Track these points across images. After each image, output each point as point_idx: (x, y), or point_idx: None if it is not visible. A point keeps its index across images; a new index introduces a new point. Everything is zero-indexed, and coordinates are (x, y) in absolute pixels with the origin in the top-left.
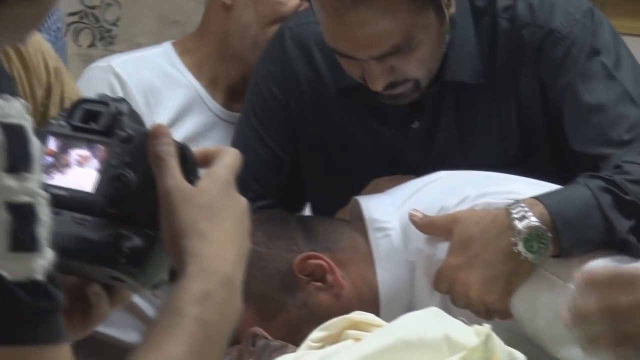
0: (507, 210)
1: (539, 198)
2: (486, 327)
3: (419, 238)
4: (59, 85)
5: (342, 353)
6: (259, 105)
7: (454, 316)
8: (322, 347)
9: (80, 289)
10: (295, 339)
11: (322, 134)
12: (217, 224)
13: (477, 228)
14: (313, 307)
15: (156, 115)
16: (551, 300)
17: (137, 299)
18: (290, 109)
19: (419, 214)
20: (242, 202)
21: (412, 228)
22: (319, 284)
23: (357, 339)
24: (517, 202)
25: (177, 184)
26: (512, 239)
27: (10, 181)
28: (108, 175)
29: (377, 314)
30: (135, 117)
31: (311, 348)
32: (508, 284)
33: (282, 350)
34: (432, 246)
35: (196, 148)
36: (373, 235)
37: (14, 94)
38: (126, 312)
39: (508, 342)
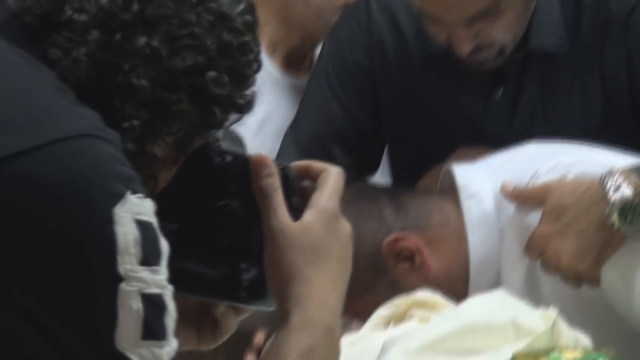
0: (601, 180)
1: (633, 168)
2: (553, 312)
3: (510, 205)
4: None
5: (409, 336)
6: (341, 69)
7: (541, 283)
8: (386, 325)
9: (206, 306)
10: None
11: (405, 102)
12: (322, 267)
13: (571, 198)
14: (401, 288)
15: None
16: None
17: None
18: (375, 75)
19: (510, 186)
20: (347, 233)
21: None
22: (407, 265)
23: (423, 319)
24: (611, 172)
25: (282, 225)
26: (606, 209)
27: (144, 273)
28: (213, 207)
29: (467, 289)
30: (230, 137)
31: (376, 326)
32: (600, 254)
33: (346, 327)
34: (522, 212)
35: (299, 162)
36: (465, 203)
37: (145, 193)
38: None
39: (592, 313)
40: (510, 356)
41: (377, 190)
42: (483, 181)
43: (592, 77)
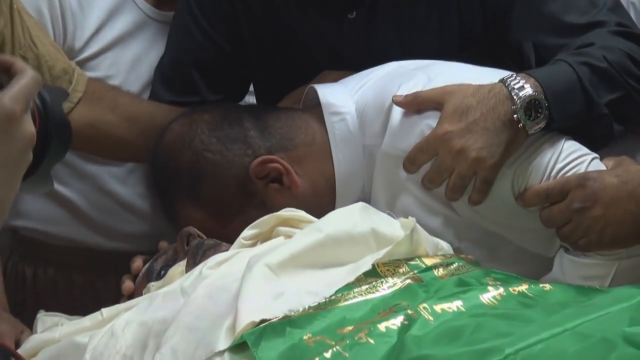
0: (503, 81)
1: (529, 73)
2: (411, 220)
3: (375, 123)
4: None
5: (273, 251)
6: None
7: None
8: (254, 244)
9: None
10: None
11: (267, 26)
12: None
13: (474, 99)
14: (271, 207)
15: (87, 16)
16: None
17: (64, 190)
18: (236, 1)
19: (399, 96)
20: (22, 139)
21: (368, 113)
22: (276, 185)
23: (288, 236)
24: (512, 75)
25: None
26: (513, 107)
27: None
28: None
29: (334, 204)
30: None
31: (243, 246)
32: (505, 151)
33: (216, 249)
34: (394, 139)
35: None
36: (329, 120)
37: None
38: (57, 206)
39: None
40: (370, 265)
41: (241, 112)
42: (346, 99)
43: (448, 4)
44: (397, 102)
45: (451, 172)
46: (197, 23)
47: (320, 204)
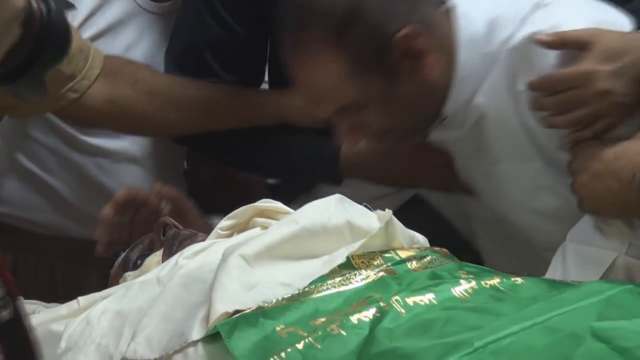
0: None
1: None
2: (388, 213)
3: (507, 29)
4: None
5: (248, 242)
6: None
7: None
8: (230, 235)
9: None
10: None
11: None
12: None
13: (622, 43)
14: (397, 81)
15: (79, 3)
16: None
17: (47, 178)
18: None
19: (543, 34)
20: (9, 10)
21: (501, 18)
22: (409, 62)
23: (264, 227)
24: None
25: None
26: None
27: None
28: None
29: (444, 104)
30: None
31: (220, 236)
32: None
33: (192, 239)
34: (534, 54)
35: None
36: (458, 21)
37: None
38: (39, 194)
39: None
40: (344, 258)
41: None
42: (474, 5)
43: None
44: (540, 41)
45: (578, 107)
46: (212, 11)
47: (432, 100)
